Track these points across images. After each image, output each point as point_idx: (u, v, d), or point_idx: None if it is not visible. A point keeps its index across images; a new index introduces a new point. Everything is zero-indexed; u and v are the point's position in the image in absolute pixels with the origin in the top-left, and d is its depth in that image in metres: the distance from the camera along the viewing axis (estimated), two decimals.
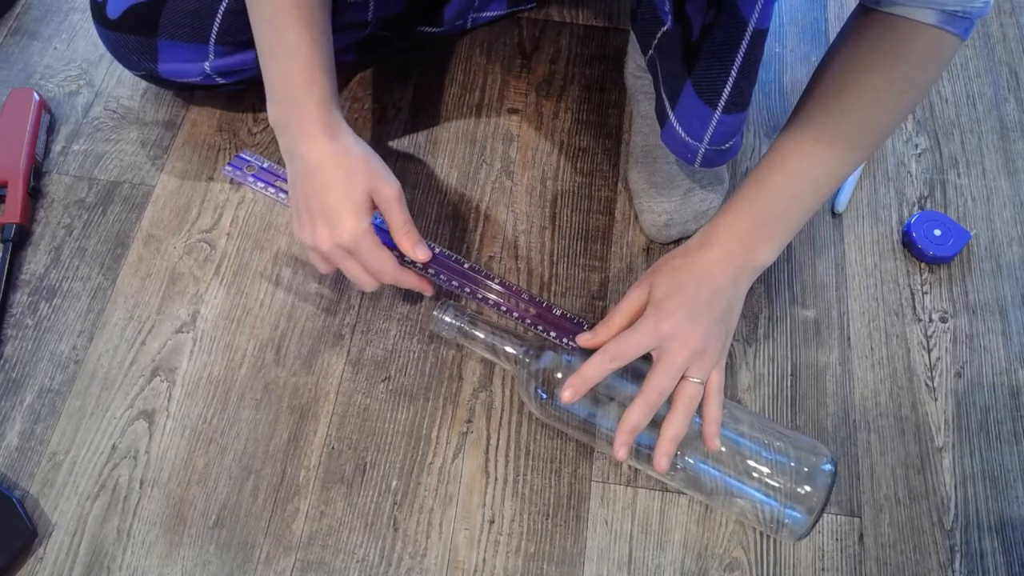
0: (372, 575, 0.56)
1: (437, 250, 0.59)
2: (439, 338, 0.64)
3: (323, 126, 0.53)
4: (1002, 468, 0.61)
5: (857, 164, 0.54)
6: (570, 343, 0.56)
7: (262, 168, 0.62)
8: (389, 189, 0.54)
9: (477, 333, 0.59)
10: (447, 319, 0.59)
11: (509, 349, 0.58)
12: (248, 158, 0.63)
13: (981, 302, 0.68)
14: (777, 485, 0.51)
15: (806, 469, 0.51)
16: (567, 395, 0.51)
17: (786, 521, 0.51)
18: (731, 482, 0.52)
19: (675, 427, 0.50)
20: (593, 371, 0.51)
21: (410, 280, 0.57)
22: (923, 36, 0.47)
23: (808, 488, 0.51)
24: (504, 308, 0.59)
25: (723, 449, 0.53)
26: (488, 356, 0.61)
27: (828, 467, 0.52)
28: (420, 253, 0.56)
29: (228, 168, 0.63)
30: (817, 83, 0.53)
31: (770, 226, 0.53)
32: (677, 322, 0.50)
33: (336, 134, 0.54)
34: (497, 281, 0.60)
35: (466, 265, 0.60)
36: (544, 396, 0.56)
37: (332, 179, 0.53)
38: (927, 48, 0.48)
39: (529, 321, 0.58)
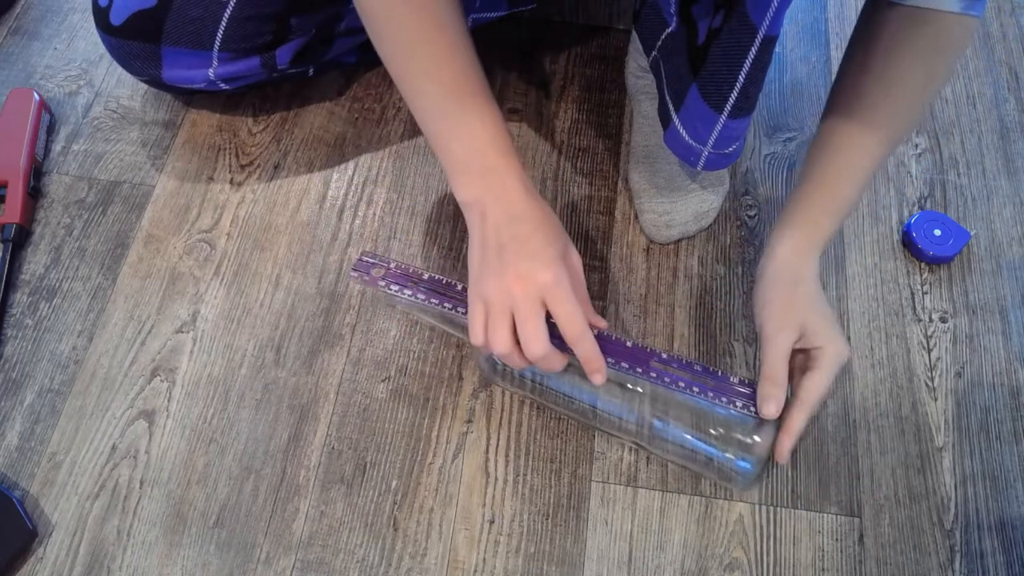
0: (372, 575, 0.56)
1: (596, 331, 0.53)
2: (433, 334, 0.64)
3: (528, 184, 0.51)
4: (1002, 468, 0.61)
5: None
6: (754, 412, 0.52)
7: (388, 269, 0.56)
8: (578, 256, 0.52)
9: (420, 300, 0.55)
10: (387, 289, 0.55)
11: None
12: (372, 260, 0.56)
13: (981, 302, 0.68)
14: (727, 435, 0.53)
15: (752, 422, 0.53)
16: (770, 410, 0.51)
17: (736, 469, 0.53)
18: (686, 437, 0.54)
19: (800, 424, 0.51)
20: (799, 426, 0.51)
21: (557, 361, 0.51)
22: (954, 26, 0.50)
23: (757, 438, 0.52)
24: (674, 382, 0.53)
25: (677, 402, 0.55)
26: (443, 327, 0.60)
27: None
28: (600, 321, 0.53)
29: (354, 274, 0.56)
30: (860, 89, 0.53)
31: (835, 226, 0.56)
32: (844, 340, 0.52)
33: (536, 193, 0.52)
34: (666, 355, 0.54)
35: (629, 343, 0.54)
36: (498, 362, 0.57)
37: (536, 227, 0.50)
38: (959, 36, 0.51)
39: (711, 393, 0.53)
